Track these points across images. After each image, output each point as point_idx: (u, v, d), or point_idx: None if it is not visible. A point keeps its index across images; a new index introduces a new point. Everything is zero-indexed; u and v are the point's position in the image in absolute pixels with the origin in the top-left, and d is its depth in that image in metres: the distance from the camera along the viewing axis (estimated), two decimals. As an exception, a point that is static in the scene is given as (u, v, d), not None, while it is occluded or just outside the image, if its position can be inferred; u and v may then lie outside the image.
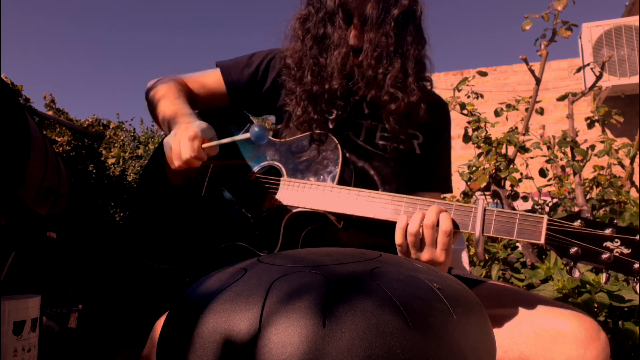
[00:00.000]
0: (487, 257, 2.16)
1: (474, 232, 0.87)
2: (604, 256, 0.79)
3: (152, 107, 1.15)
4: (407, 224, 0.88)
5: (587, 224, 0.82)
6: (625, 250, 0.78)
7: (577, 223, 0.82)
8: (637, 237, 0.78)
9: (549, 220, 0.84)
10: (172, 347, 0.56)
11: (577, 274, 0.82)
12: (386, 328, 0.49)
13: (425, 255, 0.87)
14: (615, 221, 0.81)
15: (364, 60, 1.06)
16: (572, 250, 0.81)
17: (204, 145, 0.95)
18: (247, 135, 0.95)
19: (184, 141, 0.93)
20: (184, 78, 1.21)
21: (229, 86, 1.19)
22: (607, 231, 0.80)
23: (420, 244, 0.87)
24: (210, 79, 1.21)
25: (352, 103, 1.12)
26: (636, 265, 0.77)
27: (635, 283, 0.79)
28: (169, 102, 1.09)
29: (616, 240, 0.79)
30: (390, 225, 0.92)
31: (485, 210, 0.87)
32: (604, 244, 0.80)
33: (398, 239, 0.89)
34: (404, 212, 0.92)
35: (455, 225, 0.88)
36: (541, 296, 0.95)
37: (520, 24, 2.08)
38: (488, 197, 2.29)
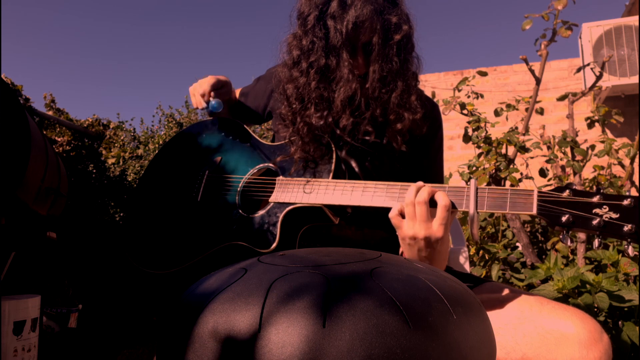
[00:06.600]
0: (487, 257, 2.16)
1: (468, 209, 0.89)
2: (594, 222, 0.82)
3: None
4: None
5: (575, 193, 0.85)
6: (614, 215, 0.82)
7: (566, 193, 0.86)
8: (624, 202, 0.81)
9: (539, 192, 0.87)
10: (172, 347, 0.56)
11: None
12: (386, 328, 0.49)
13: (422, 231, 0.89)
14: (601, 189, 0.84)
15: (369, 86, 1.07)
16: (564, 218, 0.84)
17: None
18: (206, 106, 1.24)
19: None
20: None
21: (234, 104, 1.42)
22: (595, 198, 0.83)
23: (414, 218, 0.90)
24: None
25: None
26: (626, 228, 0.80)
27: (627, 246, 0.82)
28: None
29: (604, 206, 0.83)
30: (388, 217, 0.95)
31: (477, 188, 0.90)
32: (593, 211, 0.83)
33: (392, 212, 0.92)
34: (399, 197, 0.96)
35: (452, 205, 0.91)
36: (542, 297, 0.95)
37: (520, 24, 2.09)
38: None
